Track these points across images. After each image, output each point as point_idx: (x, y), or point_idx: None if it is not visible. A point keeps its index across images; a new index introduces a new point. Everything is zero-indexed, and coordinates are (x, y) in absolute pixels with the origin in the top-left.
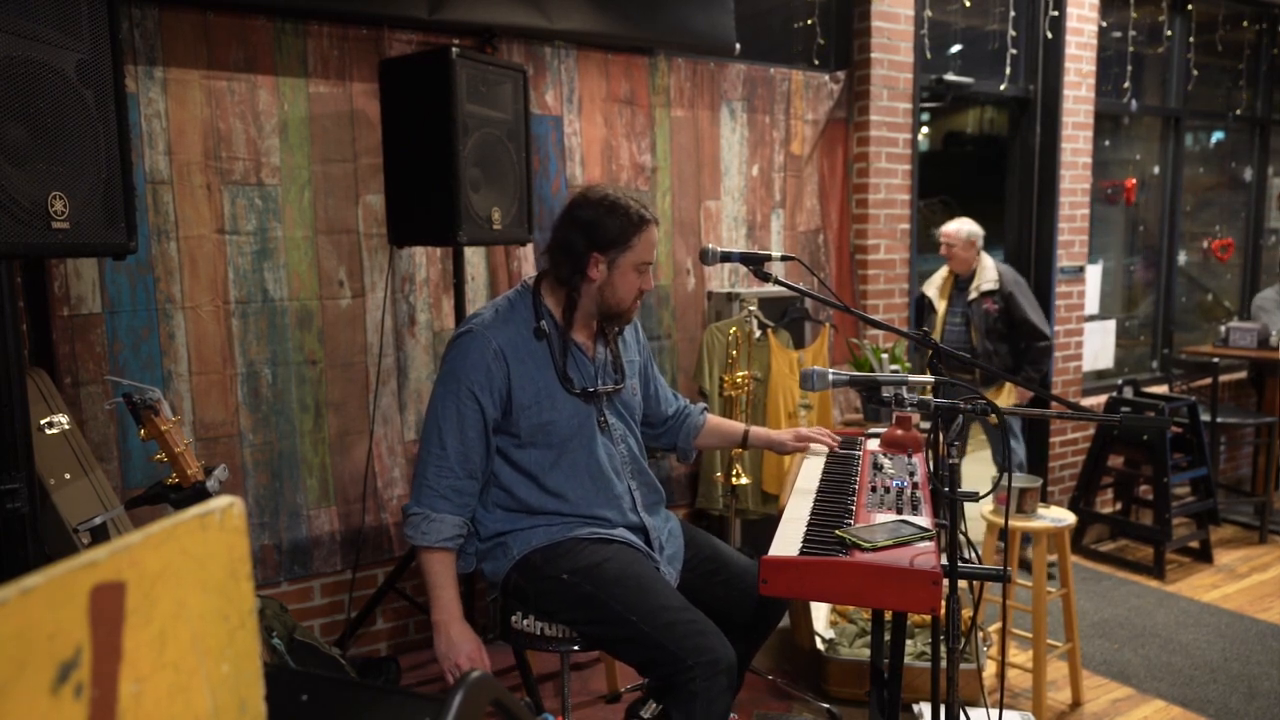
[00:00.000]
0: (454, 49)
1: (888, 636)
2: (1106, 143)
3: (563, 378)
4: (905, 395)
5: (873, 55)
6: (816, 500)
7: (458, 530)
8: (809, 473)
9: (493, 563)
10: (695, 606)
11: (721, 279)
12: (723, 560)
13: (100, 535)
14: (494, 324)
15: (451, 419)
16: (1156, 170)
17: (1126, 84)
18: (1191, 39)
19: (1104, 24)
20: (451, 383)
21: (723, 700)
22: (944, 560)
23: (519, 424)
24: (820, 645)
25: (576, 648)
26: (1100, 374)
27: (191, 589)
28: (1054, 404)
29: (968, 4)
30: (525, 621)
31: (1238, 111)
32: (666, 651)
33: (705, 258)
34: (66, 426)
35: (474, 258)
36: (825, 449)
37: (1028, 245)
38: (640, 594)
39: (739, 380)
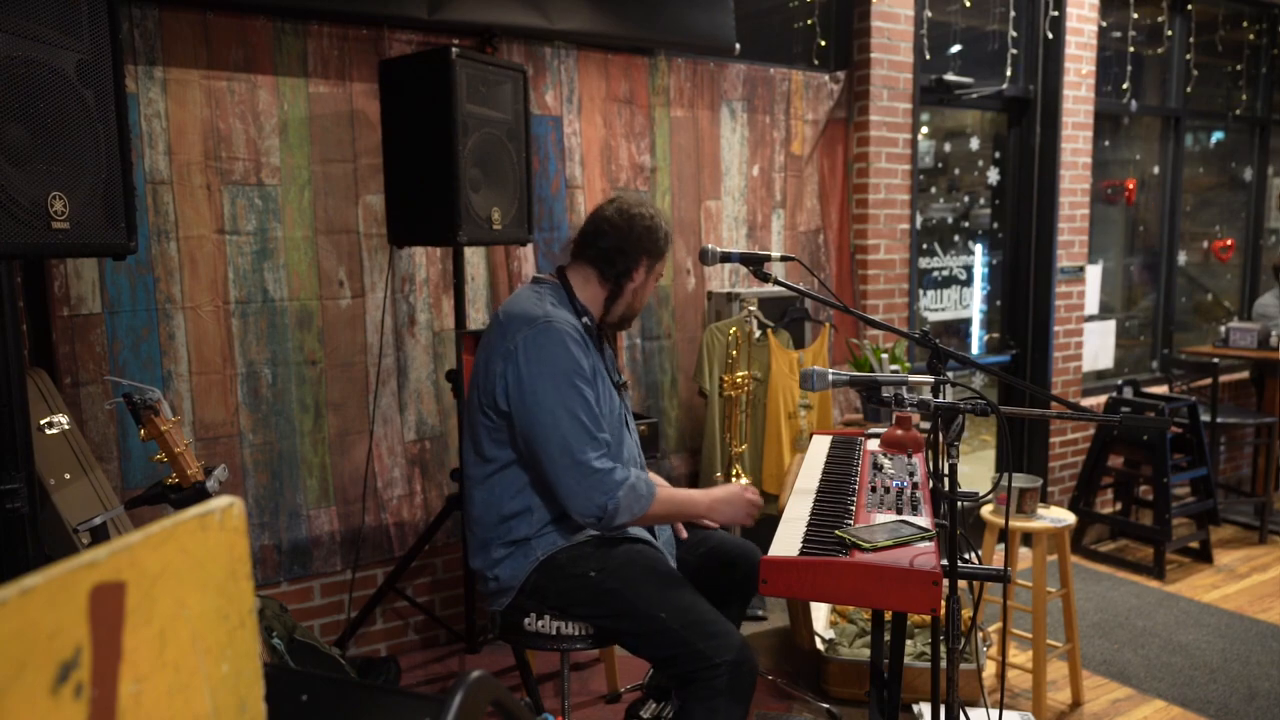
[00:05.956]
0: (454, 49)
1: (888, 636)
2: (1106, 143)
3: (609, 368)
4: (905, 395)
5: (873, 55)
6: (816, 500)
7: (647, 477)
8: (809, 473)
9: (511, 565)
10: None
11: (721, 279)
12: (703, 533)
13: (100, 535)
14: (563, 316)
15: (582, 406)
16: (1156, 170)
17: (1126, 84)
18: (1191, 39)
19: (1104, 24)
20: (562, 377)
21: (746, 698)
22: (944, 560)
23: None
24: (820, 645)
25: (590, 645)
26: (1100, 374)
27: (191, 589)
28: (1054, 404)
29: (968, 4)
30: (540, 623)
31: (1238, 111)
32: (693, 648)
33: (705, 258)
34: (66, 426)
35: (474, 258)
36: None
37: (1027, 245)
38: (666, 591)
39: (739, 380)
